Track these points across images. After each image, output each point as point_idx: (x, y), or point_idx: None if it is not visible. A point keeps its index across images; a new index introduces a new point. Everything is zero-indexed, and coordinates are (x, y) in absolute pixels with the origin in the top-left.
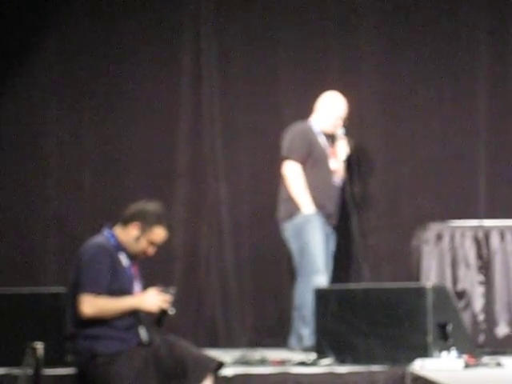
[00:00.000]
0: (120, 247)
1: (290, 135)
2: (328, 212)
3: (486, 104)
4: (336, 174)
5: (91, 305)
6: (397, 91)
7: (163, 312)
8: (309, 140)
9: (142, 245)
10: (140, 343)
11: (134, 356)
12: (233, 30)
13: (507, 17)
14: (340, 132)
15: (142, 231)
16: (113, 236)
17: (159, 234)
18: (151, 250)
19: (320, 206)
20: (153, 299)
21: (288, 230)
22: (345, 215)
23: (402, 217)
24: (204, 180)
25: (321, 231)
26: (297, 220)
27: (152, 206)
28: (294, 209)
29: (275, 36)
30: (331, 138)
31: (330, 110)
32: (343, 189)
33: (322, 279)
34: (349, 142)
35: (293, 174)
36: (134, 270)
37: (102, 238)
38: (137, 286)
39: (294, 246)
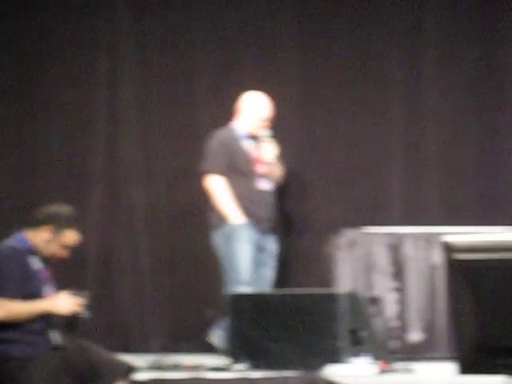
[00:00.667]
0: (32, 250)
1: (211, 147)
2: (259, 218)
3: (401, 110)
4: (265, 177)
5: (2, 308)
6: (313, 96)
7: (75, 315)
8: (230, 149)
9: (54, 248)
10: (52, 347)
11: (45, 361)
12: (150, 31)
13: (421, 21)
14: (265, 134)
15: (53, 234)
16: (24, 239)
17: (71, 237)
18: (63, 253)
19: (248, 213)
20: (65, 302)
21: (216, 238)
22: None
23: (316, 223)
24: (119, 184)
25: (249, 241)
26: (225, 229)
27: (63, 209)
28: (222, 218)
29: (192, 37)
30: (258, 140)
31: (252, 112)
32: (280, 189)
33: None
34: (275, 142)
35: (216, 187)
36: (46, 274)
37: (13, 241)
38: (49, 290)
39: (221, 254)
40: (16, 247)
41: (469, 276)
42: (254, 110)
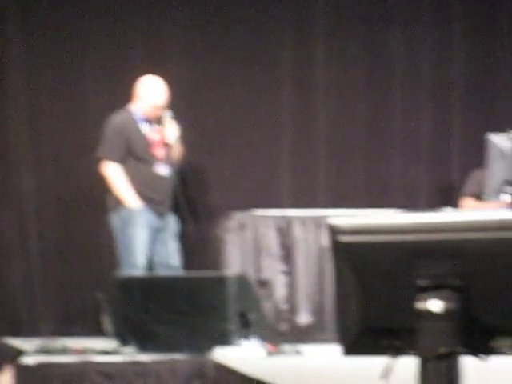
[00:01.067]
0: None
1: (106, 133)
2: (157, 202)
3: (291, 94)
4: (163, 160)
5: None
6: (203, 79)
7: None
8: (126, 133)
9: None
10: None
11: None
12: (39, 19)
13: (310, 9)
14: (167, 115)
15: None
16: None
17: None
18: None
19: (146, 198)
20: None
21: (113, 221)
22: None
23: (207, 206)
24: (8, 168)
25: (145, 226)
26: (121, 213)
27: None
28: (118, 201)
29: (82, 25)
30: (159, 122)
31: (147, 97)
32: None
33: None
34: (177, 124)
35: (112, 174)
36: None
37: None
38: None
39: (118, 238)
40: None
41: (353, 258)
42: (149, 95)
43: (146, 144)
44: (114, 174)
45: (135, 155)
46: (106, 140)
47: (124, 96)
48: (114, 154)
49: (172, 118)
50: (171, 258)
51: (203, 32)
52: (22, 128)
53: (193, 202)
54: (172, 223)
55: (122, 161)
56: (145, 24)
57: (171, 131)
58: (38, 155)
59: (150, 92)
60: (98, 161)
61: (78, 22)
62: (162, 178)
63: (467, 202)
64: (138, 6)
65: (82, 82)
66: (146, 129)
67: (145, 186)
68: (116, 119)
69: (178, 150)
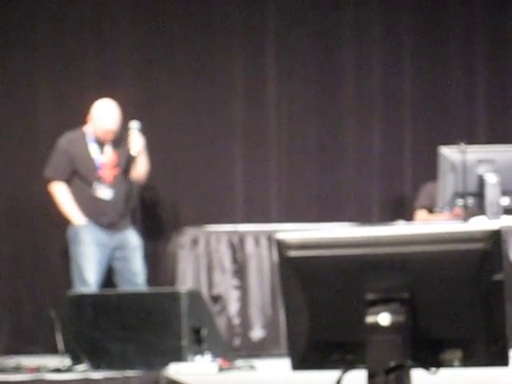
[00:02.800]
0: None
1: (53, 152)
2: (105, 223)
3: (242, 107)
4: (111, 183)
5: None
6: (153, 96)
7: None
8: (71, 154)
9: None
10: None
11: None
12: None
13: (264, 14)
14: (134, 126)
15: None
16: None
17: None
18: None
19: (93, 218)
20: None
21: (67, 236)
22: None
23: (159, 221)
24: None
25: (93, 243)
26: (70, 231)
27: None
28: (67, 220)
29: (31, 40)
30: (115, 144)
31: (99, 120)
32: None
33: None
34: (142, 135)
35: (57, 193)
36: None
37: None
38: None
39: (70, 255)
40: None
41: (301, 273)
42: (100, 119)
43: (93, 166)
44: (59, 192)
45: (80, 176)
46: (51, 159)
47: (75, 115)
48: (58, 174)
49: (138, 129)
50: (136, 276)
51: (153, 49)
52: None
53: (146, 217)
54: (132, 238)
55: (67, 180)
56: (95, 41)
57: (136, 143)
58: None
59: (102, 116)
60: (45, 180)
61: (30, 40)
62: (103, 201)
63: (420, 215)
64: (88, 20)
65: (33, 98)
66: (95, 150)
67: (88, 207)
68: (63, 139)
69: (142, 163)
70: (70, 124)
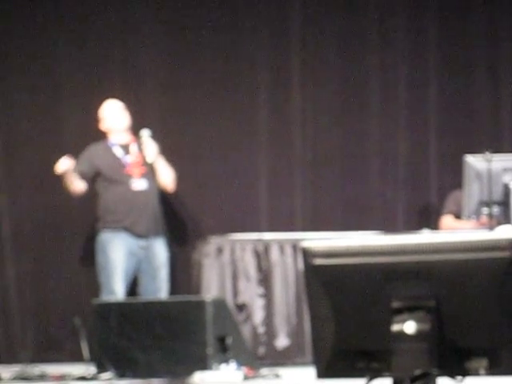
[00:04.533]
0: None
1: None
2: (130, 223)
3: (267, 115)
4: (141, 176)
5: None
6: (177, 107)
7: None
8: (95, 160)
9: None
10: None
11: None
12: (14, 39)
13: (287, 22)
14: (144, 134)
15: None
16: None
17: None
18: None
19: (118, 219)
20: None
21: (95, 244)
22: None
23: (184, 230)
24: None
25: (123, 251)
26: (100, 237)
27: None
28: (99, 224)
29: (55, 46)
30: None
31: (106, 122)
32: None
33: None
34: (154, 142)
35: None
36: None
37: None
38: None
39: (97, 262)
40: None
41: (326, 281)
42: (107, 120)
43: (119, 165)
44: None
45: (107, 178)
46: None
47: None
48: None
49: (149, 136)
50: (159, 292)
51: (178, 59)
52: None
53: (171, 225)
54: (160, 253)
55: (85, 179)
56: (121, 51)
57: (149, 149)
58: (14, 179)
59: (108, 117)
60: None
61: (55, 45)
62: (137, 192)
63: (446, 220)
64: (113, 30)
65: (58, 104)
66: (119, 152)
67: (120, 204)
68: (88, 147)
69: (164, 169)
70: (95, 133)
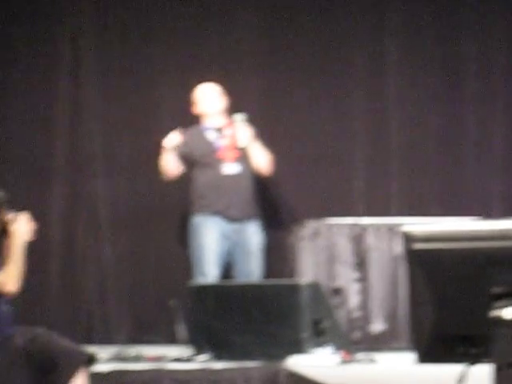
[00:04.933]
0: None
1: None
2: (222, 207)
3: (364, 101)
4: (234, 160)
5: (7, 280)
6: (275, 90)
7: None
8: (188, 144)
9: None
10: (6, 337)
11: (0, 351)
12: (111, 24)
13: (384, 11)
14: (240, 117)
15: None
16: None
17: (7, 213)
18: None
19: (210, 203)
20: (23, 228)
21: (189, 227)
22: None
23: (279, 213)
24: (82, 176)
25: (216, 235)
26: (193, 221)
27: None
28: (192, 208)
29: (152, 33)
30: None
31: (199, 105)
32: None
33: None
34: (249, 126)
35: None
36: None
37: None
38: None
39: (190, 245)
40: None
41: (427, 265)
42: (200, 104)
43: (211, 149)
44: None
45: (199, 162)
46: None
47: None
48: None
49: (243, 120)
50: (253, 274)
51: (275, 40)
52: (96, 136)
53: (267, 209)
54: (254, 236)
55: (178, 169)
56: (217, 31)
57: (243, 134)
58: (111, 163)
59: (201, 99)
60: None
61: (152, 31)
62: (229, 176)
63: None
64: (210, 13)
65: (155, 90)
66: (211, 135)
67: (211, 188)
68: (183, 133)
69: (259, 154)
70: (193, 117)
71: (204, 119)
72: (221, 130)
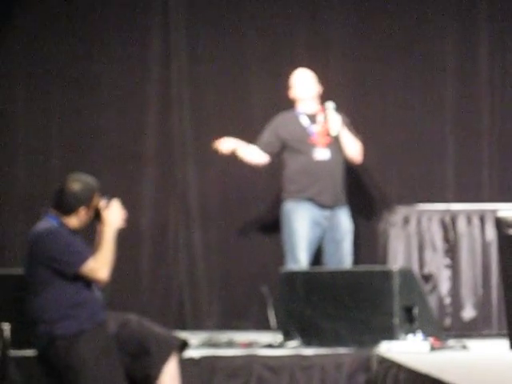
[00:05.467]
0: (72, 232)
1: (265, 128)
2: (314, 193)
3: (454, 89)
4: (325, 146)
5: (99, 267)
6: (365, 77)
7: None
8: (281, 129)
9: (89, 218)
10: (99, 323)
11: (94, 337)
12: (201, 12)
13: (477, 2)
14: (329, 106)
15: (88, 210)
16: (61, 225)
17: (99, 200)
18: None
19: (302, 189)
20: (115, 215)
21: (280, 213)
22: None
23: (370, 200)
24: (173, 163)
25: (307, 221)
26: (285, 207)
27: (87, 185)
28: (284, 194)
29: (243, 19)
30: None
31: (294, 91)
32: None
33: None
34: (340, 115)
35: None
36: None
37: (50, 224)
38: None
39: (282, 231)
40: (59, 230)
41: None
42: (295, 89)
43: (304, 134)
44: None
45: (292, 147)
46: (261, 134)
47: (286, 91)
48: (262, 145)
49: (333, 108)
50: (343, 261)
51: (363, 28)
52: (186, 124)
53: (358, 195)
54: (345, 222)
55: (272, 153)
56: (307, 19)
57: (334, 122)
58: (202, 150)
59: (296, 84)
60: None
61: (239, 18)
62: (320, 162)
63: None
64: (301, 5)
65: (245, 77)
66: (305, 121)
67: (303, 174)
68: (276, 117)
69: (349, 142)
70: (283, 103)
71: (298, 104)
72: (314, 115)
